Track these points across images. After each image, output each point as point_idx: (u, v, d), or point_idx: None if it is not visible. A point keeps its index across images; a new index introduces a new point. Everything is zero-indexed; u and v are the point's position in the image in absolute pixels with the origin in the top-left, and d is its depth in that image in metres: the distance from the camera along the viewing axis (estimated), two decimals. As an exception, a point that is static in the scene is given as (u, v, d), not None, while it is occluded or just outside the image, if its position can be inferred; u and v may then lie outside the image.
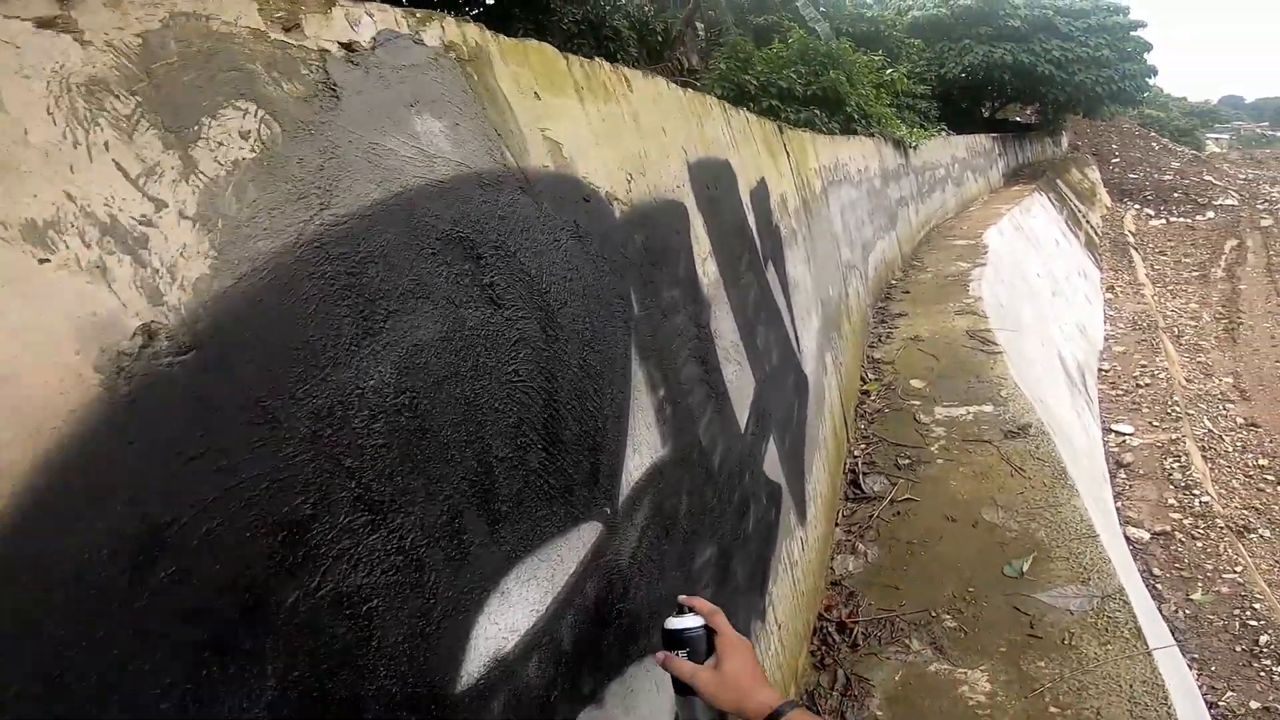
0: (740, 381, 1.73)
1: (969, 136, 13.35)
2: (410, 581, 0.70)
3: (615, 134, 1.30)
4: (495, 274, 0.83)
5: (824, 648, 2.21)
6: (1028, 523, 2.86)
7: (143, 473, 0.49)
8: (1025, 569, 2.55)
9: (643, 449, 1.22)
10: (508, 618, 0.86)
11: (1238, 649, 3.66)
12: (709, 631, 0.91)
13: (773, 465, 1.95)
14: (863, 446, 3.61)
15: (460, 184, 0.83)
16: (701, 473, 1.46)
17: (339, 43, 0.72)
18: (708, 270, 1.62)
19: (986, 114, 19.12)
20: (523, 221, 0.94)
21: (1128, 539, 4.63)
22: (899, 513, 3.03)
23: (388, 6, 0.81)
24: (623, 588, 1.11)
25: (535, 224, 0.97)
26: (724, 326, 1.70)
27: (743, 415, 1.71)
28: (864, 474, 3.32)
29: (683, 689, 0.89)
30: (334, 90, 0.68)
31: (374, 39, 0.77)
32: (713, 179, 1.77)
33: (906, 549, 2.77)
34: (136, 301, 0.48)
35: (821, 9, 10.09)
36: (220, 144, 0.56)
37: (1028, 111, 23.15)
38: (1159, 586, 4.26)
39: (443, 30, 0.90)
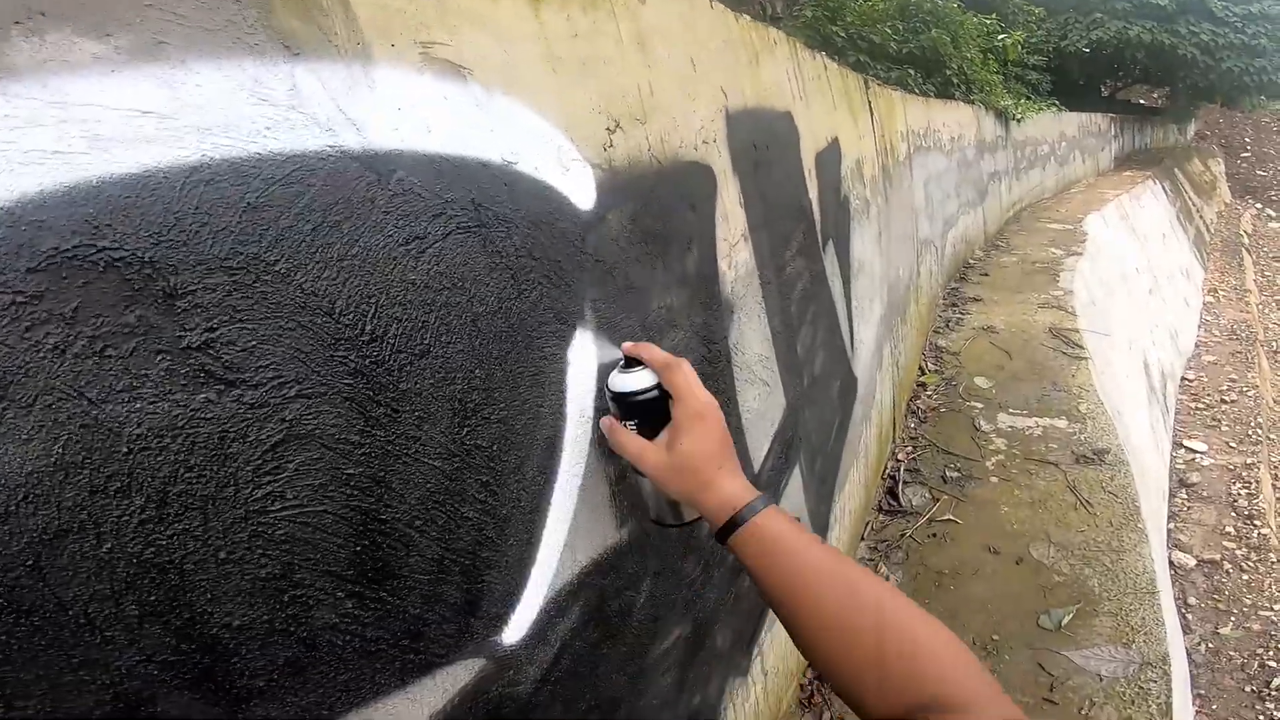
0: (765, 407, 1.34)
1: (1083, 115, 12.10)
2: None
3: (593, 59, 0.80)
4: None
5: (817, 681, 1.94)
6: (1082, 567, 2.51)
7: None
8: (1065, 622, 2.23)
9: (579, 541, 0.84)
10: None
11: (1247, 689, 3.34)
12: (664, 394, 0.70)
13: (795, 493, 1.63)
14: (908, 450, 3.25)
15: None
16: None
17: None
18: (736, 262, 1.17)
19: (1106, 93, 17.26)
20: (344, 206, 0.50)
21: (1171, 564, 4.19)
22: (935, 534, 2.72)
23: None
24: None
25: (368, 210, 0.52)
26: (750, 337, 1.25)
27: (761, 450, 1.32)
28: (904, 483, 3.00)
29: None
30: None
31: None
32: (764, 136, 1.33)
33: (934, 579, 2.47)
34: None
35: (930, -37, 8.96)
36: None
37: (1154, 95, 20.88)
38: (1189, 616, 3.89)
39: None
